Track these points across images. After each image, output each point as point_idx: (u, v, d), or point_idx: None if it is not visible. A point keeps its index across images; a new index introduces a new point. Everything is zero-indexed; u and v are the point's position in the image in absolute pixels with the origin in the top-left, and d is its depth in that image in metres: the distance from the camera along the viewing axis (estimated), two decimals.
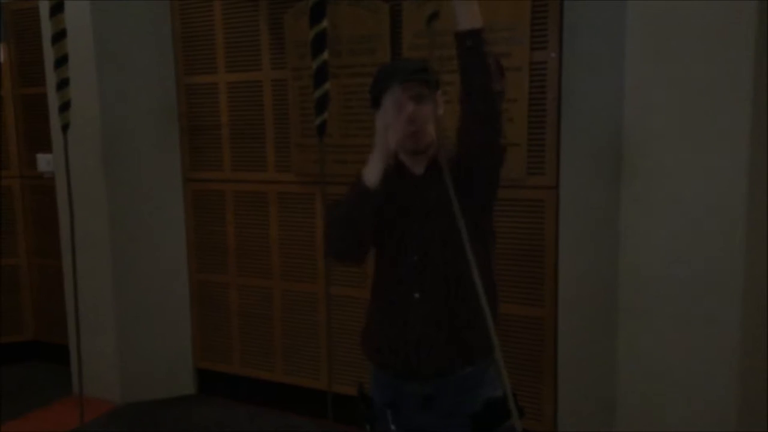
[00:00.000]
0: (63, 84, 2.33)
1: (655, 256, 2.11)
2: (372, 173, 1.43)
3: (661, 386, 2.14)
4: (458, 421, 1.49)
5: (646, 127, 2.10)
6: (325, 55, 2.36)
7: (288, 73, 2.93)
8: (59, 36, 2.28)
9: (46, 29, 2.54)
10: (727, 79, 1.96)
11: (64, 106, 2.34)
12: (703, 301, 2.05)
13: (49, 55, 2.64)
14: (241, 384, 3.27)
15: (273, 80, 3.01)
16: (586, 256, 2.44)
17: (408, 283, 1.48)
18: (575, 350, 2.49)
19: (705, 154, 2.01)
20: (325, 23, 2.31)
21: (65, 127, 2.38)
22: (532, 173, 2.50)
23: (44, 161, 3.59)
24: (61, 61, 2.30)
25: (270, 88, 3.03)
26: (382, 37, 2.70)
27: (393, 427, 1.50)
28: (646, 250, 2.13)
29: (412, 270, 1.47)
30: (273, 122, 3.04)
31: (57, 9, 2.24)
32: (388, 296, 1.53)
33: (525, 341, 2.59)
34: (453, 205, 1.33)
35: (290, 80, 2.93)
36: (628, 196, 2.14)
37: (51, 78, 2.60)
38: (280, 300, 3.14)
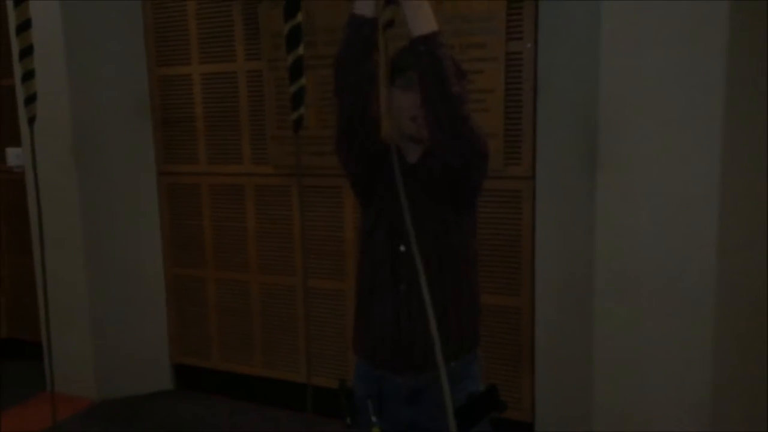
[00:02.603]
0: (28, 76, 2.25)
1: (631, 244, 2.13)
2: (364, 2, 1.36)
3: (638, 373, 2.16)
4: (442, 415, 1.49)
5: (622, 116, 2.11)
6: (301, 50, 2.32)
7: (263, 64, 2.89)
8: (24, 26, 2.20)
9: (12, 19, 2.48)
10: (701, 69, 1.97)
11: (30, 99, 2.27)
12: (679, 289, 2.07)
13: (15, 45, 2.57)
14: (219, 378, 3.25)
15: (248, 71, 2.97)
16: (562, 246, 2.45)
17: (395, 274, 1.46)
18: (552, 339, 2.51)
19: (679, 144, 2.03)
20: (299, 17, 2.28)
21: (31, 120, 2.31)
22: (508, 164, 2.50)
23: (14, 155, 3.51)
24: (26, 52, 2.23)
25: (245, 79, 2.98)
26: None
27: (374, 419, 1.50)
28: (622, 239, 2.14)
29: (399, 260, 1.45)
30: (248, 114, 3.00)
31: None
32: (375, 287, 1.52)
33: (502, 331, 2.60)
34: (437, 199, 1.31)
35: (265, 71, 2.89)
36: (604, 185, 2.15)
37: (18, 69, 2.54)
38: (257, 293, 3.11)
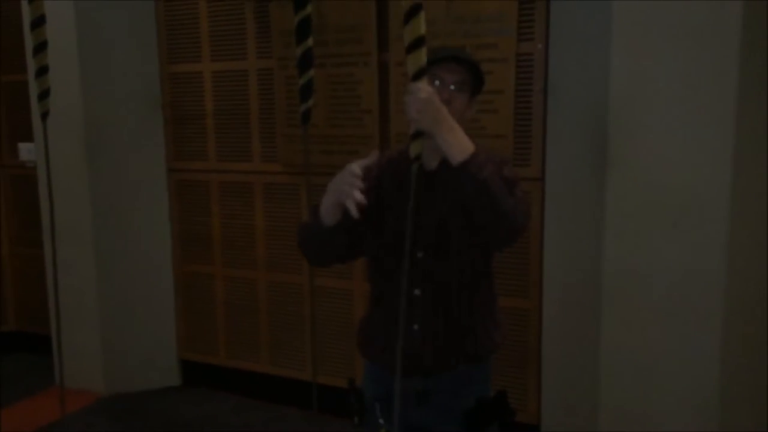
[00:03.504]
0: (42, 71, 2.28)
1: (640, 247, 2.12)
2: (326, 213, 1.38)
3: (645, 377, 2.15)
4: (450, 418, 1.49)
5: (632, 118, 2.10)
6: (310, 42, 2.34)
7: (273, 63, 2.90)
8: (38, 22, 2.23)
9: (26, 15, 2.51)
10: (713, 70, 1.97)
11: (44, 94, 2.30)
12: (687, 291, 2.06)
13: (29, 41, 2.60)
14: (226, 375, 3.26)
15: (258, 69, 2.98)
16: (571, 248, 2.45)
17: (409, 279, 1.46)
18: (560, 342, 2.50)
19: (690, 146, 2.02)
20: (309, 9, 2.30)
21: (45, 115, 2.33)
22: (517, 165, 2.49)
23: (26, 150, 3.54)
24: (40, 47, 2.25)
25: (255, 77, 2.99)
26: (368, 26, 2.67)
27: (381, 421, 1.50)
28: (631, 242, 2.14)
29: (415, 265, 1.45)
30: (258, 112, 3.01)
31: None
32: (389, 291, 1.51)
33: (510, 333, 2.57)
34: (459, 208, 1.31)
35: (276, 69, 2.90)
36: (614, 187, 2.15)
37: (31, 65, 2.57)
38: (265, 291, 3.12)
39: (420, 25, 1.26)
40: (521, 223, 1.33)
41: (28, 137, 3.42)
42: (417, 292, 1.46)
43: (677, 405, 2.11)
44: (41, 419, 2.98)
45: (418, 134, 1.30)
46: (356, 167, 1.31)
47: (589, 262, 2.32)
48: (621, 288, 2.17)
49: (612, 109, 2.12)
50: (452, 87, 1.41)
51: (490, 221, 1.30)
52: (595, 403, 2.26)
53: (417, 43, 1.27)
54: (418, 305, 1.46)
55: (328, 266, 1.61)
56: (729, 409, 2.07)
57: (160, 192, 3.26)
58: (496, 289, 1.58)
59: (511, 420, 1.54)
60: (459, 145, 1.28)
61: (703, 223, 2.02)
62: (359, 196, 1.28)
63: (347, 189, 1.29)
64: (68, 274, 3.09)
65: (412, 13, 1.27)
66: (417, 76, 1.28)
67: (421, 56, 1.27)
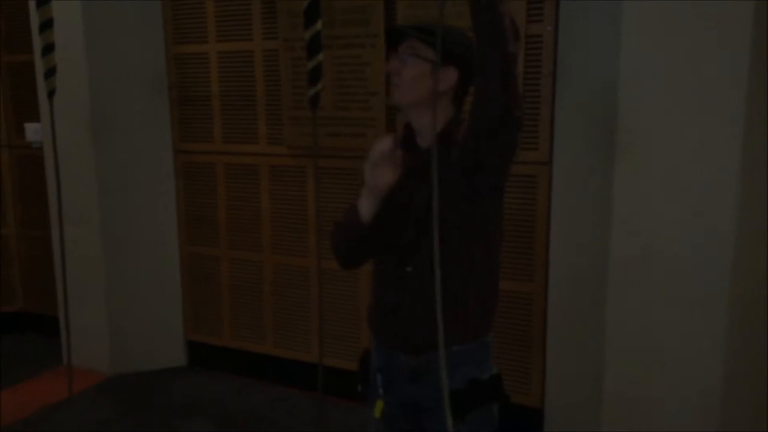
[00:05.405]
0: (48, 49, 2.28)
1: (647, 233, 2.11)
2: (364, 209, 1.43)
3: (649, 362, 2.15)
4: (441, 397, 1.48)
5: (642, 103, 2.08)
6: (319, 25, 2.33)
7: (280, 44, 2.88)
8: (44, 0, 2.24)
9: None
10: (724, 55, 1.93)
11: (50, 72, 2.31)
12: (693, 279, 2.05)
13: (35, 19, 2.59)
14: (231, 356, 3.28)
15: (264, 51, 2.96)
16: (577, 233, 2.44)
17: (402, 257, 1.46)
18: (564, 326, 2.50)
19: (700, 132, 2.00)
20: None
21: (51, 93, 2.34)
22: (525, 148, 2.48)
23: (32, 130, 3.54)
24: (46, 24, 2.26)
25: (261, 58, 2.97)
26: (375, 7, 2.65)
27: (381, 391, 1.51)
28: (638, 228, 2.12)
29: (407, 243, 1.45)
30: (264, 94, 3.00)
31: None
32: (384, 268, 1.52)
33: (514, 316, 2.60)
34: (441, 187, 1.30)
35: (282, 51, 2.88)
36: (622, 172, 2.13)
37: (37, 43, 2.56)
38: (271, 273, 3.13)
39: None
40: (516, 76, 1.30)
41: (34, 118, 3.42)
42: (408, 269, 1.45)
43: (681, 389, 2.11)
44: (48, 398, 3.01)
45: None
46: (384, 144, 1.33)
47: (595, 246, 2.32)
48: (626, 273, 2.16)
49: (621, 94, 2.10)
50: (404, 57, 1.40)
51: (493, 60, 1.26)
52: (599, 387, 2.26)
53: None
54: (410, 283, 1.46)
55: (359, 266, 1.62)
56: (732, 397, 2.07)
57: (166, 173, 3.26)
58: (494, 261, 1.53)
59: (505, 405, 1.53)
60: None
61: (711, 211, 2.00)
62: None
63: (384, 176, 1.34)
64: (74, 255, 3.10)
65: None
66: None
67: None
